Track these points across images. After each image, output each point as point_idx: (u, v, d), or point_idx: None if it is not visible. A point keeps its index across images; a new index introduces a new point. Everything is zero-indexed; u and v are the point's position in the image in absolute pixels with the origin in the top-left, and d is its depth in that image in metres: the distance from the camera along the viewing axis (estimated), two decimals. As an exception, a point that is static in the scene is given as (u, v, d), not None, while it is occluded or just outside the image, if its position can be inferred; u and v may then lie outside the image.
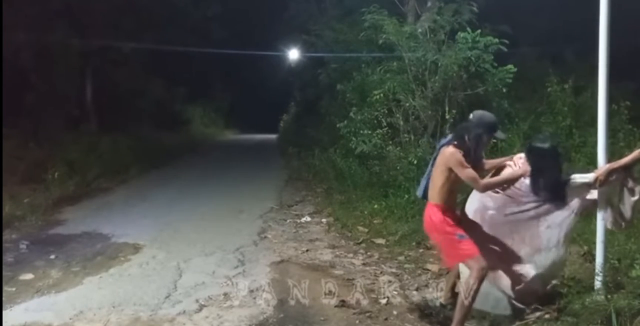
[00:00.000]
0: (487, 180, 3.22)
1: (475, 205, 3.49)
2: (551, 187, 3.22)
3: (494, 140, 5.78)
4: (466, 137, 3.19)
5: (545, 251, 3.33)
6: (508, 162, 3.45)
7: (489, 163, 3.51)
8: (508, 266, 3.41)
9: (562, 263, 3.48)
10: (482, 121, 3.21)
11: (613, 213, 3.30)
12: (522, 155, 3.42)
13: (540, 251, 3.34)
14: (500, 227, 3.40)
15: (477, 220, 3.45)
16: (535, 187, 3.25)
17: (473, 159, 3.19)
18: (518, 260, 3.38)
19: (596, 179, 3.17)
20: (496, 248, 3.41)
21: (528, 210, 3.32)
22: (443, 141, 3.41)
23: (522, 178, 3.29)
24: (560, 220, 3.29)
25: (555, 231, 3.30)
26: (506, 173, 3.35)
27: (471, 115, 3.30)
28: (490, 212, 3.41)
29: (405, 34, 7.99)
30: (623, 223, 3.31)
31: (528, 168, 3.26)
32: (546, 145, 3.35)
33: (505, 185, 3.32)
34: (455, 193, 3.35)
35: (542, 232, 3.32)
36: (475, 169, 3.19)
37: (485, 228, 3.42)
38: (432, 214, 3.27)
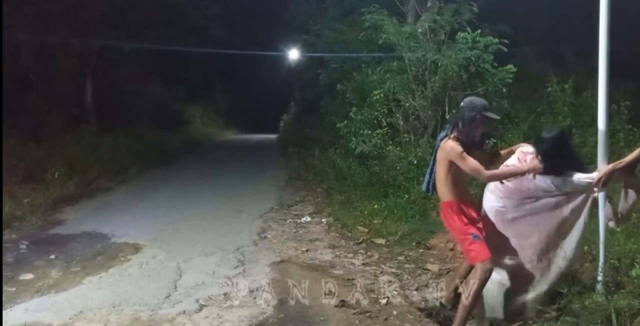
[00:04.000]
0: (492, 171, 3.20)
1: (494, 206, 3.42)
2: (566, 175, 3.19)
3: (494, 141, 5.77)
4: (460, 123, 3.19)
5: (570, 235, 3.31)
6: (513, 152, 3.44)
7: (499, 153, 3.50)
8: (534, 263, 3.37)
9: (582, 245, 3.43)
10: (472, 104, 3.24)
11: (614, 212, 3.31)
12: (526, 147, 3.40)
13: (565, 237, 3.31)
14: (524, 223, 3.34)
15: (499, 220, 3.38)
16: (550, 182, 3.22)
17: (473, 145, 3.17)
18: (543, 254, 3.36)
19: (599, 180, 3.16)
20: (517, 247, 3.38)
21: (548, 202, 3.27)
22: (442, 135, 3.41)
23: (530, 177, 3.22)
24: (581, 202, 3.25)
25: (579, 214, 3.27)
26: (511, 164, 3.32)
27: (462, 103, 3.33)
28: (509, 210, 3.35)
29: (405, 34, 7.99)
30: (621, 221, 3.33)
31: (536, 164, 3.19)
32: (554, 135, 3.28)
33: (510, 178, 3.26)
34: (463, 184, 3.33)
35: (567, 217, 3.28)
36: (478, 157, 3.16)
37: (510, 227, 3.36)
38: (447, 214, 3.27)
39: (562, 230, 3.31)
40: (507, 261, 3.36)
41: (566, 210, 3.27)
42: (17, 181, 7.80)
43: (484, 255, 3.11)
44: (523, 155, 3.36)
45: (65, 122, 11.97)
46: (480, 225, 3.26)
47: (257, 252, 5.27)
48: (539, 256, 3.35)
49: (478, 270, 3.10)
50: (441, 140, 3.32)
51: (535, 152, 3.28)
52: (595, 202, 3.33)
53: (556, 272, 3.35)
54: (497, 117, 3.30)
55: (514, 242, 3.37)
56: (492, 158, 3.45)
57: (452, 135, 3.22)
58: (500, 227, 3.39)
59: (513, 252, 3.35)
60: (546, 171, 3.18)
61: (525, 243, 3.35)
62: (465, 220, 3.21)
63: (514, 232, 3.37)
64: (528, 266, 3.36)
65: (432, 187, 3.45)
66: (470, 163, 3.08)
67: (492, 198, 3.43)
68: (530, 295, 3.39)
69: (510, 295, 3.38)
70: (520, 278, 3.36)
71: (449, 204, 3.25)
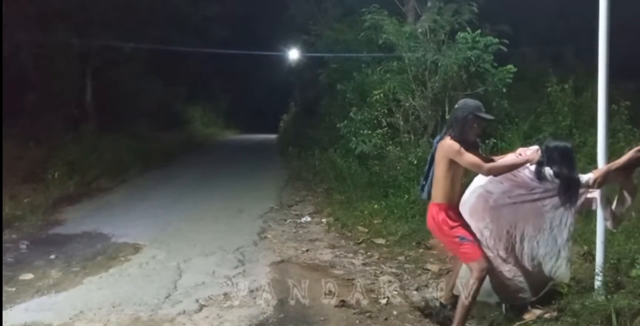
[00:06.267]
0: (492, 164, 3.21)
1: (478, 191, 3.50)
2: (562, 179, 3.23)
3: (494, 141, 5.75)
4: (454, 123, 3.22)
5: (548, 231, 3.36)
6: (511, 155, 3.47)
7: (493, 159, 3.51)
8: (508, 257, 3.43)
9: (568, 250, 3.43)
10: (466, 105, 3.28)
11: (612, 213, 3.32)
12: (525, 149, 3.43)
13: (543, 231, 3.37)
14: (504, 210, 3.41)
15: (481, 205, 3.45)
16: (544, 176, 3.28)
17: (468, 146, 3.18)
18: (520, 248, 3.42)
19: (595, 180, 3.17)
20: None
21: (534, 193, 3.34)
22: (437, 138, 3.43)
23: (529, 166, 3.29)
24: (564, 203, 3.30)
25: (559, 212, 3.32)
26: (511, 158, 3.35)
27: (456, 104, 3.39)
28: (495, 196, 3.42)
29: (405, 34, 8.00)
30: (615, 223, 3.35)
31: (535, 156, 3.23)
32: (565, 143, 3.41)
33: (511, 170, 3.30)
34: (459, 190, 3.34)
35: (545, 211, 3.34)
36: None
37: (489, 213, 3.43)
38: (434, 214, 3.27)
39: (541, 223, 3.36)
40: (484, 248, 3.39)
41: (549, 202, 3.32)
42: (17, 181, 7.80)
43: (476, 254, 3.14)
44: (523, 151, 3.38)
45: (65, 122, 11.99)
46: (467, 228, 3.27)
47: (257, 252, 5.27)
48: (513, 245, 3.42)
49: (474, 269, 3.11)
50: (437, 142, 3.34)
51: (540, 150, 3.30)
52: (589, 203, 3.35)
53: (534, 266, 3.41)
54: (490, 117, 3.34)
55: (490, 228, 3.42)
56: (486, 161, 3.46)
57: (447, 136, 3.24)
58: (478, 212, 3.44)
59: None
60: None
61: (502, 230, 3.41)
62: (452, 223, 3.21)
63: (491, 218, 3.43)
64: (502, 254, 3.42)
65: (428, 191, 3.45)
66: (469, 158, 3.10)
67: (482, 180, 3.48)
68: (510, 284, 3.44)
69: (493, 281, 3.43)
70: (497, 265, 3.40)
71: (439, 206, 3.26)
